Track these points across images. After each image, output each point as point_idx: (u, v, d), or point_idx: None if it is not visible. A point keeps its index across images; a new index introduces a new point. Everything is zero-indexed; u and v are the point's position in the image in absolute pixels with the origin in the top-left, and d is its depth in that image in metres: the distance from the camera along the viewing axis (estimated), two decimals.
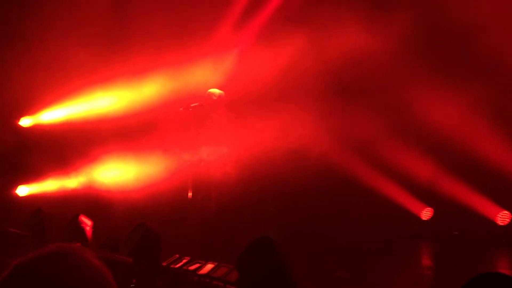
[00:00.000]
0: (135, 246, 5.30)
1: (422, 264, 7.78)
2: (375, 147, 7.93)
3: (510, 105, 7.28)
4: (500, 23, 7.09)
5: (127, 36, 8.23)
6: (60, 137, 9.04)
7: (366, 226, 8.04)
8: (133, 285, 5.21)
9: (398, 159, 7.95)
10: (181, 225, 7.10)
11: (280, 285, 3.28)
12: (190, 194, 6.81)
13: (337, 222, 8.24)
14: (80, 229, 6.35)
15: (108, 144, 8.26)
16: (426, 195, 8.23)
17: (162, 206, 7.80)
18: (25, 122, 9.37)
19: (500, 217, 7.86)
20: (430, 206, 8.39)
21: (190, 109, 6.90)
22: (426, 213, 8.40)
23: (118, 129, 8.45)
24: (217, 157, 6.73)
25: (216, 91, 6.96)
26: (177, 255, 5.48)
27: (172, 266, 5.31)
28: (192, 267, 5.15)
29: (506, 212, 7.82)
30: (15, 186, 9.13)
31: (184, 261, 5.32)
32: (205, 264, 5.09)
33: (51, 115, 9.16)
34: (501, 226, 7.81)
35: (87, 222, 6.40)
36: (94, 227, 6.39)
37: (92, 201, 8.03)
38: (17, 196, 9.09)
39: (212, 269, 4.99)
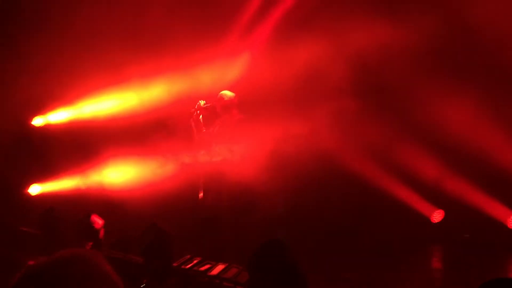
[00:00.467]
0: (146, 246, 5.33)
1: (432, 267, 7.77)
2: (386, 149, 7.93)
3: None
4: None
5: (140, 38, 8.27)
6: (72, 137, 9.10)
7: (375, 228, 8.04)
8: (144, 285, 5.24)
9: (409, 161, 7.94)
10: (192, 225, 7.13)
11: (293, 286, 3.29)
12: (201, 195, 6.84)
13: (346, 223, 8.24)
14: (92, 229, 6.39)
15: (120, 144, 8.30)
16: (437, 198, 8.22)
17: (173, 206, 7.84)
18: (38, 121, 9.43)
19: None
20: (440, 208, 8.37)
21: (202, 110, 6.94)
22: (436, 216, 8.38)
23: (129, 129, 8.49)
24: (228, 158, 6.75)
25: (227, 93, 7.00)
26: (188, 256, 5.51)
27: (183, 266, 5.34)
28: (203, 268, 5.18)
29: None
30: (28, 185, 9.20)
31: (195, 261, 5.35)
32: (216, 265, 5.12)
33: (64, 114, 9.22)
34: None
35: (99, 222, 6.44)
36: (105, 226, 6.43)
37: (103, 201, 8.08)
38: (29, 195, 9.15)
39: (223, 270, 5.02)
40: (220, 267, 5.06)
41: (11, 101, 8.71)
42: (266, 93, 7.72)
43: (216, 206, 6.82)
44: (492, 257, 7.25)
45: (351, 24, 7.51)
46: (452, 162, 7.85)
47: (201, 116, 6.95)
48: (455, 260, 7.47)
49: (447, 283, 6.83)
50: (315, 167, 7.68)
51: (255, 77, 7.83)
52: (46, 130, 9.31)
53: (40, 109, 9.28)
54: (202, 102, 6.92)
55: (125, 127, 8.35)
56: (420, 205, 8.30)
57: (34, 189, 9.15)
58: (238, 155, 6.72)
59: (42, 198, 8.97)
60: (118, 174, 8.38)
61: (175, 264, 5.40)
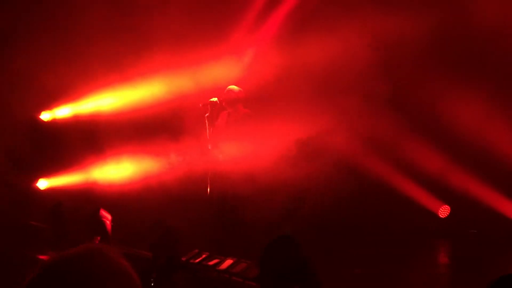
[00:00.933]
0: (154, 242, 5.37)
1: (439, 262, 7.78)
2: (393, 145, 7.92)
3: None
4: None
5: (147, 34, 8.27)
6: (80, 131, 9.13)
7: (383, 224, 8.04)
8: (153, 280, 5.27)
9: (416, 156, 7.93)
10: (200, 220, 7.14)
11: (304, 282, 3.31)
12: (208, 190, 6.85)
13: (354, 219, 8.24)
14: (100, 223, 6.43)
15: (127, 140, 8.32)
16: (444, 193, 8.21)
17: (181, 201, 7.86)
18: (45, 116, 9.47)
19: None
20: (447, 204, 8.37)
21: (208, 105, 6.93)
22: (443, 211, 8.38)
23: (136, 124, 8.52)
24: (234, 153, 6.75)
25: (234, 87, 6.99)
26: (196, 250, 5.54)
27: (191, 261, 5.36)
28: (211, 263, 5.20)
29: None
30: (36, 180, 9.24)
31: (203, 256, 5.37)
32: (224, 260, 5.14)
33: (71, 109, 9.25)
34: None
35: (107, 216, 6.48)
36: (113, 221, 6.46)
37: (111, 196, 8.10)
38: (37, 189, 9.20)
39: (231, 265, 5.04)
40: (228, 262, 5.08)
41: (19, 97, 8.75)
42: (272, 89, 7.72)
43: (223, 202, 6.82)
44: (499, 252, 7.24)
45: (358, 20, 7.50)
46: (459, 158, 7.83)
47: (208, 113, 6.94)
48: (463, 255, 7.47)
49: (455, 278, 6.83)
50: (323, 163, 7.68)
51: (262, 72, 7.82)
52: (54, 125, 9.35)
53: (48, 104, 9.31)
54: (214, 99, 6.91)
55: (132, 123, 8.37)
56: (428, 200, 8.29)
57: (42, 184, 9.20)
58: (243, 151, 6.71)
59: (50, 192, 9.01)
60: (125, 170, 8.40)
61: (183, 259, 5.42)
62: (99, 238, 6.46)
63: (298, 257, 3.50)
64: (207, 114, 6.93)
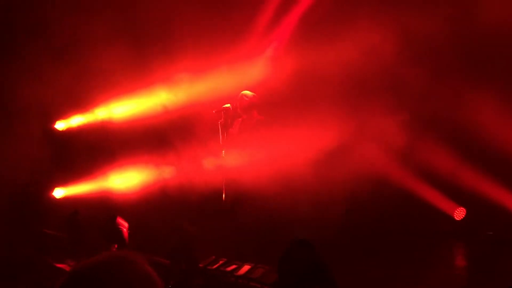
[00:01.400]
0: (172, 248, 5.40)
1: (455, 264, 7.74)
2: (408, 147, 7.90)
3: None
4: None
5: (161, 41, 8.33)
6: (94, 140, 9.20)
7: (398, 226, 8.02)
8: (171, 287, 5.30)
9: (431, 158, 7.91)
10: (217, 226, 7.16)
11: (322, 286, 3.33)
12: (223, 196, 6.87)
13: (369, 221, 8.23)
14: (117, 231, 6.47)
15: (141, 146, 8.37)
16: (459, 195, 8.18)
17: (197, 208, 7.89)
18: (60, 125, 9.56)
19: None
20: (463, 206, 8.33)
21: (221, 111, 6.95)
22: (459, 213, 8.35)
23: (150, 131, 8.58)
24: (249, 159, 6.77)
25: (248, 93, 7.01)
26: (214, 257, 5.56)
27: (209, 267, 5.39)
28: (229, 268, 5.22)
29: None
30: (52, 188, 9.32)
31: (221, 262, 5.40)
32: (242, 265, 5.15)
33: (86, 118, 9.33)
34: None
35: (124, 224, 6.52)
36: (130, 229, 6.50)
37: (128, 203, 8.15)
38: (53, 198, 9.27)
39: (249, 270, 5.06)
40: (246, 268, 5.10)
41: (35, 106, 8.83)
42: (287, 94, 7.73)
43: (238, 208, 6.85)
44: None
45: (371, 24, 7.50)
46: (475, 159, 7.80)
47: (223, 119, 6.96)
48: (479, 257, 7.43)
49: (471, 280, 6.80)
50: (335, 166, 7.68)
51: (277, 77, 7.84)
52: (68, 133, 9.43)
53: (63, 114, 9.40)
54: (227, 105, 6.94)
55: (146, 130, 8.42)
56: (443, 202, 8.27)
57: (58, 193, 9.27)
58: (258, 157, 6.73)
59: (66, 201, 9.08)
60: (140, 177, 8.45)
61: (200, 266, 5.45)
62: (116, 246, 6.51)
63: (315, 262, 3.52)
64: (220, 121, 6.95)
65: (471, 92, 7.37)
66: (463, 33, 7.70)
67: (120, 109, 8.94)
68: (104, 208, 7.97)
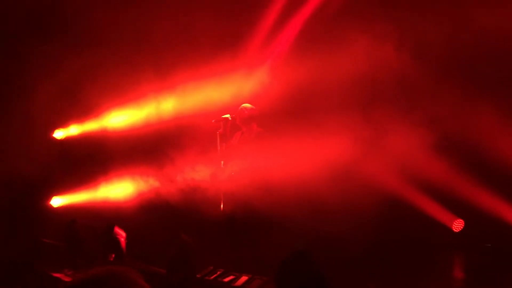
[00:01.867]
0: (169, 258, 5.38)
1: (454, 276, 7.72)
2: (406, 159, 7.90)
3: None
4: None
5: (159, 51, 8.36)
6: (92, 149, 9.20)
7: (396, 237, 8.00)
8: None
9: (429, 170, 7.91)
10: (214, 237, 7.15)
11: None
12: (222, 206, 6.87)
13: (367, 232, 8.21)
14: (115, 240, 6.46)
15: (139, 156, 8.37)
16: (457, 207, 8.17)
17: (195, 218, 7.85)
18: (59, 134, 9.56)
19: None
20: (461, 217, 8.32)
21: (220, 121, 6.98)
22: (457, 225, 8.34)
23: (148, 141, 8.58)
24: (247, 170, 6.78)
25: (248, 106, 7.05)
26: (211, 267, 5.55)
27: (206, 278, 5.37)
28: (227, 279, 5.21)
29: None
30: (49, 197, 9.30)
31: (218, 273, 5.38)
32: (239, 277, 5.14)
33: (84, 127, 9.33)
34: None
35: (121, 234, 6.51)
36: (127, 238, 6.49)
37: (125, 213, 8.14)
38: (51, 207, 9.25)
39: (246, 281, 5.04)
40: (244, 279, 5.09)
41: (33, 116, 8.84)
42: (286, 106, 7.74)
43: (236, 218, 6.84)
44: None
45: (371, 36, 7.52)
46: (473, 171, 7.80)
47: (222, 129, 6.98)
48: (477, 269, 7.42)
49: None
50: (334, 179, 7.68)
51: (277, 89, 7.85)
52: (67, 142, 9.42)
53: (61, 122, 9.40)
54: (227, 116, 6.96)
55: (145, 140, 8.42)
56: (441, 214, 8.26)
57: (56, 202, 9.26)
58: (257, 169, 6.73)
59: (64, 210, 9.06)
60: (138, 187, 8.44)
61: (198, 276, 5.43)
62: (113, 255, 6.49)
63: (313, 273, 3.51)
64: (219, 131, 6.98)
65: (470, 102, 7.38)
66: (467, 46, 7.72)
67: (118, 119, 8.95)
68: (102, 217, 7.96)
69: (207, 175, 7.26)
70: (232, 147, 7.01)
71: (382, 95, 7.91)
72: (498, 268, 7.14)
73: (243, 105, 7.05)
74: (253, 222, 6.79)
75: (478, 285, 6.77)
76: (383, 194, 8.07)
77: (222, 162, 6.95)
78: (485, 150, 7.37)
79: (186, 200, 7.53)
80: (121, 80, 8.41)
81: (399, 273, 7.05)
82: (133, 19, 8.46)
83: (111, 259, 6.46)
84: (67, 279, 6.29)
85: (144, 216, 8.09)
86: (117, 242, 6.44)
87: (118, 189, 8.58)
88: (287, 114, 7.98)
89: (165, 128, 8.32)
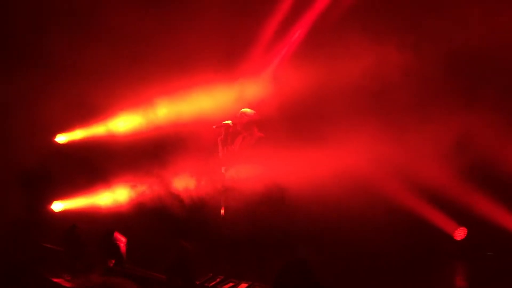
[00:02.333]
0: (169, 264, 5.36)
1: (456, 285, 7.68)
2: (408, 166, 7.87)
3: None
4: None
5: (161, 56, 8.36)
6: (93, 154, 9.20)
7: (398, 246, 7.97)
8: None
9: (431, 177, 7.88)
10: (215, 243, 7.13)
11: None
12: (222, 212, 6.85)
13: (369, 241, 8.18)
14: (115, 246, 6.46)
15: (140, 161, 8.37)
16: (460, 215, 8.14)
17: (195, 224, 7.85)
18: (61, 138, 9.56)
19: None
20: (463, 226, 8.29)
21: (222, 127, 6.97)
22: (459, 233, 8.30)
23: (149, 146, 8.58)
24: (249, 176, 6.76)
25: (248, 110, 7.02)
26: (211, 274, 5.52)
27: (205, 284, 5.34)
28: (226, 286, 5.18)
29: None
30: (50, 202, 9.29)
31: (218, 280, 5.35)
32: (239, 283, 5.11)
33: (86, 131, 9.34)
34: None
35: (121, 239, 6.50)
36: (127, 244, 6.48)
37: (125, 218, 8.13)
38: (52, 211, 9.25)
39: None
40: (243, 286, 5.06)
41: (34, 120, 8.85)
42: (288, 112, 7.73)
43: (237, 224, 6.81)
44: None
45: (375, 42, 7.51)
46: (476, 179, 7.77)
47: (223, 135, 6.97)
48: (479, 278, 7.38)
49: None
50: (335, 183, 7.65)
51: (280, 93, 7.85)
52: (69, 147, 9.43)
53: (63, 127, 9.40)
54: (228, 122, 6.95)
55: (146, 146, 8.42)
56: (443, 222, 8.23)
57: (57, 206, 9.25)
58: (257, 174, 6.71)
59: (64, 215, 9.06)
60: (139, 192, 8.43)
61: (197, 282, 5.40)
62: (113, 260, 6.49)
63: (311, 282, 3.50)
64: (220, 137, 6.97)
65: (475, 109, 7.36)
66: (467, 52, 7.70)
67: (119, 124, 8.95)
68: (102, 223, 7.95)
69: (208, 181, 7.24)
70: (233, 152, 6.99)
71: (387, 101, 7.89)
72: (500, 276, 7.10)
73: (243, 110, 7.02)
74: (254, 227, 6.77)
75: None
76: (386, 202, 8.05)
77: (223, 168, 6.93)
78: (488, 157, 7.34)
79: (187, 206, 7.52)
80: (124, 85, 8.42)
81: (401, 281, 7.01)
82: (138, 23, 8.47)
83: (111, 265, 6.46)
84: (66, 284, 6.27)
85: (144, 221, 8.08)
86: (117, 247, 6.44)
87: (118, 195, 8.57)
88: (290, 119, 7.97)
89: (165, 134, 8.32)
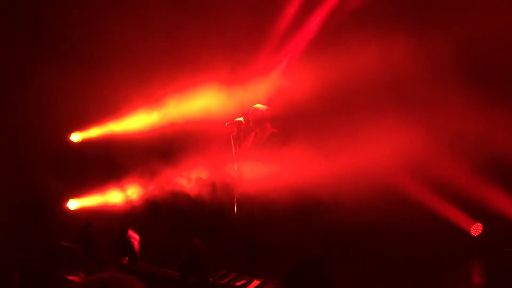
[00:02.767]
0: (182, 262, 5.35)
1: (472, 281, 7.60)
2: (423, 162, 7.81)
3: None
4: None
5: (174, 54, 8.36)
6: (107, 152, 9.24)
7: (414, 242, 7.91)
8: None
9: (447, 174, 7.81)
10: (227, 240, 7.13)
11: None
12: (235, 209, 6.84)
13: (384, 237, 8.13)
14: (129, 243, 6.47)
15: (153, 159, 8.38)
16: (476, 211, 8.06)
17: (209, 222, 7.85)
18: (75, 137, 9.60)
19: None
20: (480, 221, 8.21)
21: (234, 124, 6.94)
22: (476, 229, 8.22)
23: (163, 144, 8.59)
24: (261, 173, 6.73)
25: (260, 106, 6.99)
26: (224, 271, 5.51)
27: (219, 281, 5.34)
28: (239, 283, 5.17)
29: None
30: (66, 200, 9.35)
31: (231, 277, 5.34)
32: (251, 281, 5.10)
33: (101, 130, 9.37)
34: None
35: (135, 237, 6.51)
36: (141, 241, 6.49)
37: (139, 216, 8.15)
38: (68, 209, 9.30)
39: (258, 286, 5.00)
40: (255, 283, 5.05)
41: (50, 118, 8.90)
42: (300, 108, 7.69)
43: (250, 222, 6.80)
44: None
45: (383, 38, 7.46)
46: (492, 175, 7.69)
47: (235, 132, 6.94)
48: (496, 274, 7.30)
49: None
50: (351, 181, 7.60)
51: (290, 91, 7.82)
52: (84, 145, 9.47)
53: (78, 125, 9.45)
54: (241, 119, 6.93)
55: (159, 143, 8.43)
56: (460, 218, 8.15)
57: (72, 204, 9.30)
58: (270, 171, 6.69)
59: (80, 213, 9.10)
60: (152, 190, 8.45)
61: (210, 279, 5.40)
62: (127, 258, 6.50)
63: (323, 279, 3.46)
64: (233, 134, 6.94)
65: (491, 105, 7.28)
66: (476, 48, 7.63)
67: (132, 122, 8.97)
68: (116, 220, 7.98)
69: (221, 178, 7.24)
70: (246, 149, 6.97)
71: (399, 98, 7.83)
72: None
73: (255, 105, 6.99)
74: (267, 225, 6.75)
75: None
76: (401, 198, 8.00)
77: (236, 165, 6.91)
78: (504, 152, 7.26)
79: (199, 204, 7.52)
80: (137, 83, 8.44)
81: (417, 277, 6.97)
82: (146, 25, 8.49)
83: (125, 262, 6.47)
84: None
85: (158, 219, 8.09)
86: (131, 245, 6.45)
87: (132, 193, 8.60)
88: (302, 115, 7.94)
89: (178, 131, 8.32)
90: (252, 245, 6.72)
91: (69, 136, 9.58)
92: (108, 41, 8.41)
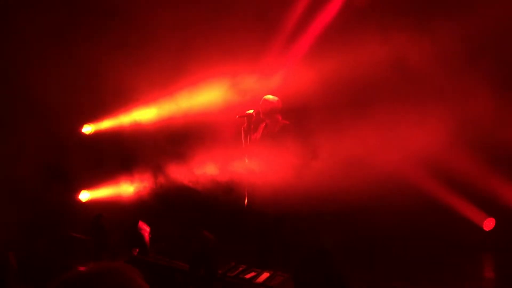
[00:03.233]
0: (192, 254, 5.36)
1: (484, 276, 7.55)
2: (436, 156, 7.75)
3: None
4: None
5: (186, 48, 8.36)
6: (119, 144, 9.27)
7: (425, 236, 7.87)
8: None
9: (460, 168, 7.75)
10: (238, 232, 7.13)
11: None
12: (246, 202, 6.83)
13: (395, 231, 8.09)
14: (139, 235, 6.49)
15: (164, 151, 8.40)
16: (488, 205, 8.00)
17: (219, 213, 7.85)
18: (87, 129, 9.64)
19: None
20: (492, 216, 8.15)
21: (244, 117, 6.91)
22: (488, 224, 8.16)
23: (173, 136, 8.61)
24: (272, 165, 6.70)
25: (270, 97, 6.92)
26: (233, 263, 5.51)
27: (228, 274, 5.33)
28: (248, 276, 5.17)
29: None
30: (78, 192, 9.40)
31: (240, 269, 5.34)
32: (261, 273, 5.09)
33: (113, 122, 9.39)
34: None
35: (145, 228, 6.53)
36: (151, 233, 6.51)
37: (150, 207, 8.17)
38: (79, 201, 9.35)
39: (268, 278, 4.99)
40: (265, 275, 5.03)
41: (62, 109, 8.93)
42: (309, 100, 7.67)
43: (261, 214, 6.78)
44: None
45: (393, 31, 7.40)
46: (504, 169, 7.62)
47: (246, 125, 6.92)
48: (508, 269, 7.24)
49: None
50: (362, 174, 7.57)
51: (299, 83, 7.78)
52: (96, 137, 9.51)
53: (90, 117, 9.48)
54: (251, 111, 6.90)
55: (169, 135, 8.45)
56: (472, 213, 8.09)
57: (84, 196, 9.35)
58: (281, 163, 6.65)
59: (91, 204, 9.15)
60: (163, 181, 8.47)
61: (220, 272, 5.40)
62: (137, 249, 6.53)
63: (332, 271, 3.43)
64: (243, 126, 6.92)
65: (502, 98, 7.21)
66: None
67: (144, 114, 8.99)
68: (127, 212, 8.01)
69: (231, 170, 7.23)
70: (256, 140, 6.93)
71: (409, 93, 7.78)
72: None
73: (266, 96, 6.91)
74: (278, 217, 6.73)
75: (508, 286, 6.60)
76: (412, 193, 7.95)
77: (246, 157, 6.89)
78: None
79: (210, 196, 7.52)
80: (149, 75, 8.45)
81: (427, 273, 6.93)
82: (159, 19, 8.48)
83: (135, 254, 6.50)
84: None
85: (168, 211, 8.11)
86: (141, 236, 6.48)
87: (142, 184, 8.62)
88: (313, 108, 7.91)
89: (189, 123, 8.32)
90: (263, 237, 6.71)
91: (81, 128, 9.63)
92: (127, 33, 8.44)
